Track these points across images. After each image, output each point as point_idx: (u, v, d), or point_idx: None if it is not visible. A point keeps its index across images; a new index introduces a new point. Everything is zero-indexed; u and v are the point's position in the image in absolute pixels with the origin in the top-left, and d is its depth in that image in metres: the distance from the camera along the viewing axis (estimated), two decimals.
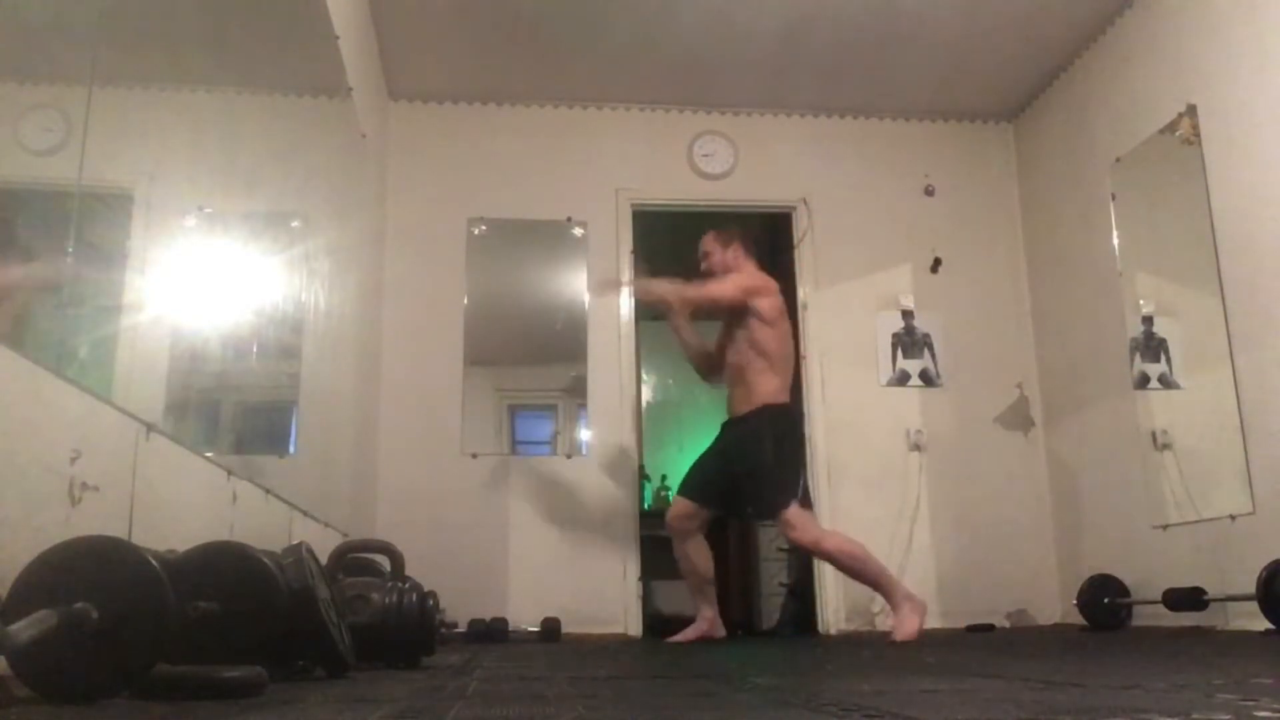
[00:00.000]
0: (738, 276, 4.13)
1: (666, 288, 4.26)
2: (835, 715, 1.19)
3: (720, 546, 6.66)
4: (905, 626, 3.75)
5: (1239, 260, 3.89)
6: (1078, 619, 4.51)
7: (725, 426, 4.23)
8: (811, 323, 5.26)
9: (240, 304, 2.72)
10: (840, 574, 4.94)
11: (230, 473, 2.38)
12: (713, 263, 4.23)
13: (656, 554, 5.44)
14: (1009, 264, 5.52)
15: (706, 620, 4.16)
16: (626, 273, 5.25)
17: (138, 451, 1.81)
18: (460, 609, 4.38)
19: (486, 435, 5.12)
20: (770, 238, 5.68)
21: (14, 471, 1.41)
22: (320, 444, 3.64)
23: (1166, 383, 4.46)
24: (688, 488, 4.24)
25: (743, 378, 4.08)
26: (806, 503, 3.97)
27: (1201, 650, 2.78)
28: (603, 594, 4.85)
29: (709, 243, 4.28)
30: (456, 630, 4.31)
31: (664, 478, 7.48)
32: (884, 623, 4.85)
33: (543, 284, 5.38)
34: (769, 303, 4.08)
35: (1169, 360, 4.45)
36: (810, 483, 5.02)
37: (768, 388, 4.02)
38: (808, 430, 4.90)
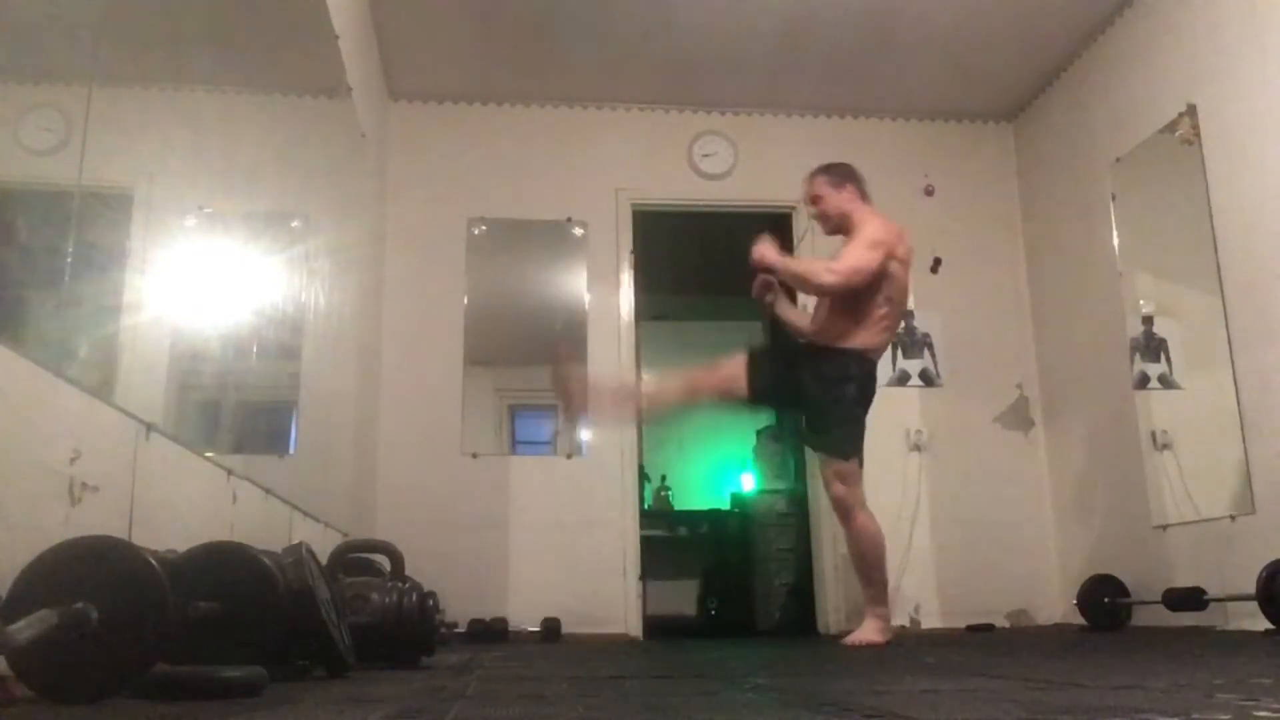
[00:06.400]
0: (863, 232, 3.49)
1: (779, 259, 3.52)
2: (835, 715, 1.19)
3: (722, 548, 6.70)
4: (866, 634, 3.38)
5: (1239, 260, 3.88)
6: (1078, 619, 4.51)
7: (802, 349, 3.62)
8: None
9: (240, 304, 2.72)
10: (840, 575, 4.97)
11: (230, 473, 2.38)
12: (827, 208, 3.63)
13: (657, 554, 5.44)
14: (1009, 264, 5.51)
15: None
16: (625, 270, 5.25)
17: (138, 451, 1.81)
18: (460, 609, 4.38)
19: (486, 435, 5.12)
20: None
21: (14, 471, 1.41)
22: (320, 444, 3.64)
23: (1166, 383, 4.45)
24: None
25: (849, 315, 3.50)
26: (860, 464, 3.55)
27: (1201, 650, 2.77)
28: (603, 594, 4.84)
29: (819, 185, 3.65)
30: (456, 630, 4.31)
31: (664, 478, 7.47)
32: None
33: (543, 284, 5.38)
34: (904, 250, 3.52)
35: (1169, 360, 4.45)
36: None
37: (870, 340, 3.51)
38: None
